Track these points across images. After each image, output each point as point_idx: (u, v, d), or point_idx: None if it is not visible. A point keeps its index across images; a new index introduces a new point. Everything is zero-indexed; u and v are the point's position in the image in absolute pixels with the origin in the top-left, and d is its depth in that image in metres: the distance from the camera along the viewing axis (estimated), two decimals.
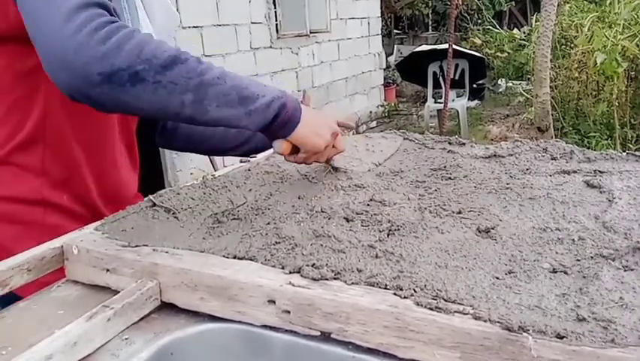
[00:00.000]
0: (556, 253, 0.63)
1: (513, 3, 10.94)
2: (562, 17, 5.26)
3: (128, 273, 0.70)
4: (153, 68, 0.70)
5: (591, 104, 4.94)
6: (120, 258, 0.70)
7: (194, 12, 4.08)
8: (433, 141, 1.16)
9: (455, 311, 0.52)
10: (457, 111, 5.82)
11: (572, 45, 5.04)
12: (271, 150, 1.12)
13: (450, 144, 1.13)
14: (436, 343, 0.52)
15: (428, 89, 6.17)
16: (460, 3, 5.60)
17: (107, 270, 0.72)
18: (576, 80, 5.09)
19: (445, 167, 0.97)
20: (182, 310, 0.67)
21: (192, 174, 3.99)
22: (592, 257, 0.61)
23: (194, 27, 4.09)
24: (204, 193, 0.92)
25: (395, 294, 0.56)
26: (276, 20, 5.11)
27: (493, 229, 0.70)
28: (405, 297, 0.55)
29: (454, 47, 5.17)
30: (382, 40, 7.65)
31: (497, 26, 9.66)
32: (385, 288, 0.58)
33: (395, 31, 11.06)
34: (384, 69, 7.75)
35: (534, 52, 4.68)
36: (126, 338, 0.63)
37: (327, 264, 0.62)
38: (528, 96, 5.92)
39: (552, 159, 0.99)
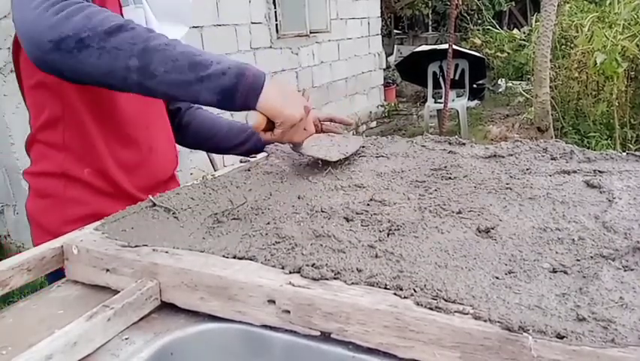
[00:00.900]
0: (557, 253, 0.63)
1: (513, 3, 10.94)
2: (562, 17, 5.26)
3: (128, 273, 0.70)
4: (98, 35, 0.75)
5: (591, 104, 4.94)
6: (120, 258, 0.70)
7: (195, 12, 4.07)
8: (433, 141, 1.16)
9: (455, 311, 0.52)
10: (457, 111, 5.82)
11: (572, 45, 5.04)
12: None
13: (450, 144, 1.13)
14: (436, 343, 0.52)
15: (428, 89, 6.17)
16: (460, 3, 5.60)
17: (107, 270, 0.72)
18: (576, 80, 5.09)
19: (445, 167, 0.97)
20: (182, 310, 0.67)
21: (192, 174, 3.99)
22: (592, 257, 0.61)
23: (194, 27, 4.09)
24: (204, 193, 0.92)
25: (395, 294, 0.56)
26: (276, 20, 5.11)
27: (493, 228, 0.70)
28: (405, 297, 0.55)
29: (454, 47, 5.17)
30: (382, 40, 7.65)
31: (497, 26, 9.67)
32: (385, 288, 0.58)
33: (395, 31, 11.07)
34: (384, 69, 7.75)
35: (534, 52, 4.68)
36: (126, 338, 0.63)
37: (327, 264, 0.62)
38: (528, 96, 5.93)
39: (552, 159, 0.99)
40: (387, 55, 8.80)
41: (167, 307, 0.68)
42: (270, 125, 0.90)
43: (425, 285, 0.57)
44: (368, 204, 0.81)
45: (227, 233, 0.75)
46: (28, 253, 0.76)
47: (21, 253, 0.76)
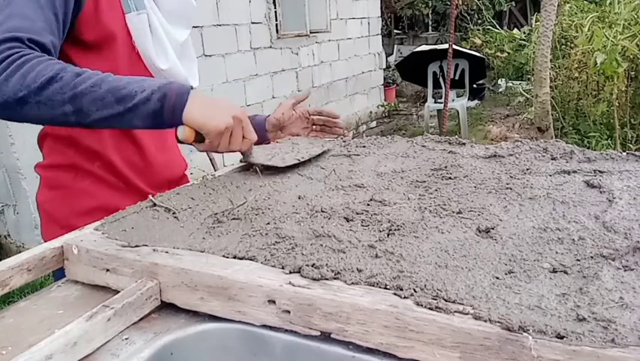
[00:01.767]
0: (557, 252, 0.63)
1: (513, 3, 10.94)
2: (562, 17, 5.26)
3: (128, 273, 0.70)
4: (32, 92, 0.84)
5: (591, 104, 4.94)
6: (120, 258, 0.70)
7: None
8: (433, 141, 1.16)
9: (455, 311, 0.52)
10: (457, 111, 5.81)
11: (572, 45, 5.04)
12: None
13: (450, 144, 1.13)
14: (436, 343, 0.52)
15: (428, 89, 6.17)
16: (460, 3, 5.60)
17: (107, 270, 0.72)
18: (576, 80, 5.09)
19: (445, 167, 0.97)
20: (182, 310, 0.67)
21: (192, 174, 3.98)
22: (592, 257, 0.61)
23: (194, 27, 4.09)
24: (204, 193, 0.92)
25: (395, 294, 0.56)
26: (276, 20, 5.10)
27: (493, 228, 0.70)
28: (405, 297, 0.55)
29: (454, 47, 5.17)
30: (382, 40, 7.65)
31: (497, 26, 9.66)
32: (385, 288, 0.58)
33: (395, 31, 11.06)
34: (384, 69, 7.75)
35: (534, 52, 4.68)
36: (126, 338, 0.63)
37: (327, 264, 0.62)
38: (528, 96, 5.93)
39: (552, 159, 0.99)
40: (387, 55, 8.80)
41: (167, 307, 0.68)
42: (201, 137, 0.93)
43: (425, 285, 0.57)
44: (368, 204, 0.81)
45: (227, 233, 0.75)
46: (28, 253, 0.76)
47: (21, 253, 0.76)
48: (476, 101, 7.54)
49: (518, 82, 7.87)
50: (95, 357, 0.59)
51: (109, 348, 0.61)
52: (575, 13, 5.50)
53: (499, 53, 8.42)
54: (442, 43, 7.99)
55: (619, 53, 4.18)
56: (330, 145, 1.18)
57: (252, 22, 4.79)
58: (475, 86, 7.03)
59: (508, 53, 8.42)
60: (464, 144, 1.13)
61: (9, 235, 3.52)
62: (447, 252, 0.65)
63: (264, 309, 0.61)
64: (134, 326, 0.65)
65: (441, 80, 5.84)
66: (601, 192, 0.81)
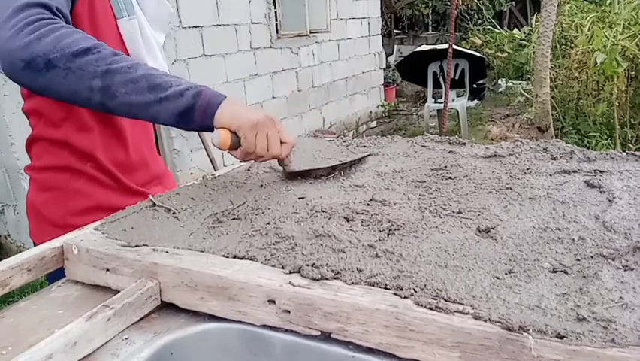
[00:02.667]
0: (557, 252, 0.63)
1: (513, 3, 10.94)
2: (562, 17, 5.26)
3: (128, 273, 0.70)
4: (65, 56, 0.80)
5: (591, 104, 4.94)
6: (120, 258, 0.70)
7: (194, 12, 4.07)
8: (433, 141, 1.16)
9: (455, 311, 0.52)
10: (457, 111, 5.81)
11: (572, 45, 5.04)
12: None
13: (450, 143, 1.13)
14: (436, 343, 0.52)
15: (428, 89, 6.17)
16: (460, 3, 5.60)
17: (107, 270, 0.72)
18: (576, 80, 5.09)
19: (445, 167, 0.97)
20: (182, 310, 0.67)
21: (192, 174, 3.99)
22: (592, 257, 0.61)
23: (194, 27, 4.09)
24: (204, 193, 0.92)
25: (395, 294, 0.56)
26: (276, 20, 5.10)
27: (493, 228, 0.70)
28: (405, 297, 0.55)
29: (454, 47, 5.17)
30: (382, 40, 7.65)
31: (497, 26, 9.66)
32: (385, 288, 0.58)
33: (395, 31, 11.06)
34: (384, 69, 7.74)
35: (534, 52, 4.68)
36: (126, 338, 0.63)
37: (327, 264, 0.62)
38: (528, 96, 5.93)
39: (552, 159, 0.99)
40: (387, 55, 8.80)
41: (167, 307, 0.68)
42: (236, 143, 0.87)
43: (425, 285, 0.57)
44: (368, 204, 0.81)
45: (227, 233, 0.75)
46: (28, 253, 0.76)
47: (21, 253, 0.76)
48: (476, 101, 7.54)
49: (518, 82, 7.86)
50: (95, 357, 0.59)
51: (109, 348, 0.61)
52: (575, 13, 5.50)
53: (499, 53, 8.42)
54: (442, 43, 7.98)
55: (619, 53, 4.18)
56: (370, 150, 1.14)
57: (252, 22, 4.79)
58: (475, 86, 7.03)
59: (508, 53, 8.42)
60: (464, 143, 1.13)
61: (9, 235, 3.52)
62: (447, 252, 0.65)
63: (264, 309, 0.61)
64: (134, 325, 0.65)
65: (441, 80, 5.84)
66: (601, 192, 0.81)
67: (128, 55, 1.04)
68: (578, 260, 0.61)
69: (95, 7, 0.99)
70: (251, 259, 0.66)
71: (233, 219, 0.80)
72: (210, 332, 0.64)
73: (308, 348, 0.59)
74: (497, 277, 0.58)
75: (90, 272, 0.74)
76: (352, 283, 0.59)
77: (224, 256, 0.68)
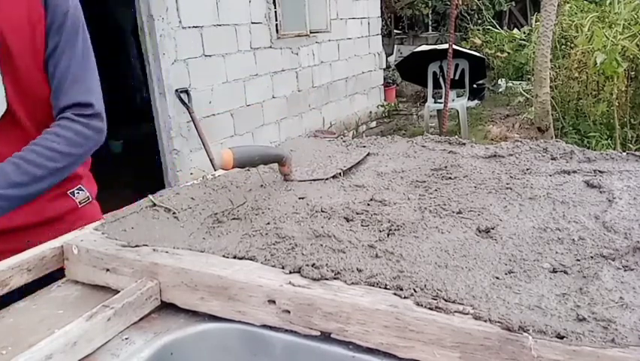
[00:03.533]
0: (557, 252, 0.63)
1: (513, 3, 10.93)
2: (562, 17, 5.26)
3: (128, 273, 0.70)
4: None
5: (591, 104, 4.94)
6: (120, 258, 0.70)
7: (194, 12, 4.07)
8: (433, 141, 1.16)
9: (455, 311, 0.52)
10: (457, 111, 5.81)
11: (572, 45, 5.04)
12: None
13: (450, 144, 1.13)
14: (436, 343, 0.52)
15: (428, 89, 6.16)
16: (460, 3, 5.60)
17: (107, 270, 0.72)
18: (576, 80, 5.09)
19: (445, 167, 0.97)
20: (182, 310, 0.67)
21: (192, 174, 3.99)
22: (592, 257, 0.61)
23: (194, 27, 4.09)
24: (204, 193, 0.92)
25: (395, 294, 0.56)
26: (276, 20, 5.10)
27: (493, 228, 0.70)
28: (405, 297, 0.55)
29: (454, 47, 5.16)
30: (382, 40, 7.64)
31: (497, 26, 9.66)
32: (385, 288, 0.58)
33: (395, 31, 11.05)
34: (384, 69, 7.74)
35: (534, 52, 4.68)
36: (126, 338, 0.63)
37: (327, 264, 0.62)
38: (528, 96, 5.92)
39: (552, 159, 0.99)
40: (387, 55, 8.79)
41: (167, 307, 0.68)
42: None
43: (425, 285, 0.57)
44: (368, 204, 0.81)
45: (227, 233, 0.75)
46: (28, 253, 0.76)
47: (21, 253, 0.76)
48: (476, 101, 7.54)
49: (518, 82, 7.86)
50: (95, 357, 0.59)
51: (109, 348, 0.61)
52: (575, 13, 5.50)
53: (499, 53, 8.42)
54: (442, 43, 7.98)
55: (619, 53, 4.17)
56: (370, 150, 1.15)
57: (252, 22, 4.79)
58: (475, 86, 7.02)
59: (508, 53, 8.41)
60: (464, 144, 1.13)
61: None
62: (447, 252, 0.65)
63: (264, 309, 0.61)
64: (134, 325, 0.65)
65: (441, 80, 5.83)
66: (601, 192, 0.81)
67: None
68: (578, 260, 0.60)
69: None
70: (251, 259, 0.66)
71: (233, 219, 0.80)
72: (210, 332, 0.64)
73: (308, 348, 0.59)
74: (497, 278, 0.58)
75: (90, 272, 0.74)
76: (352, 283, 0.59)
77: (224, 256, 0.68)
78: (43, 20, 0.94)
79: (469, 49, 7.03)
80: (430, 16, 11.15)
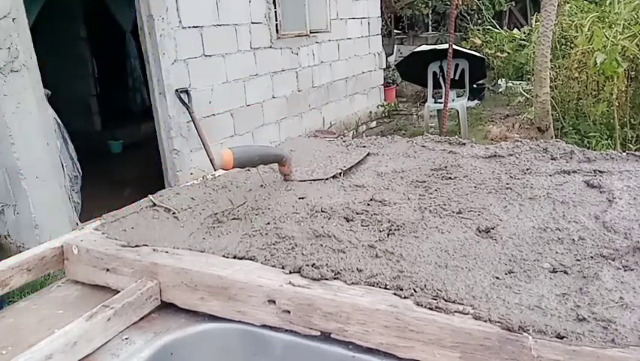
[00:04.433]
0: (557, 252, 0.63)
1: (513, 3, 10.93)
2: (562, 17, 5.26)
3: (128, 273, 0.70)
4: None
5: (591, 104, 4.94)
6: (120, 258, 0.70)
7: (194, 12, 4.07)
8: (433, 141, 1.16)
9: (455, 311, 0.52)
10: (457, 111, 5.81)
11: (572, 45, 5.04)
12: None
13: (450, 144, 1.13)
14: (436, 343, 0.52)
15: (428, 89, 6.16)
16: (460, 3, 5.60)
17: (107, 270, 0.72)
18: (576, 80, 5.09)
19: (445, 167, 0.97)
20: (182, 310, 0.67)
21: (192, 174, 3.99)
22: (592, 257, 0.61)
23: (194, 27, 4.09)
24: (204, 193, 0.92)
25: (395, 294, 0.56)
26: (276, 20, 5.10)
27: (493, 228, 0.70)
28: (405, 297, 0.55)
29: (454, 47, 5.16)
30: (382, 40, 7.64)
31: (497, 26, 9.65)
32: (385, 288, 0.58)
33: (395, 31, 11.05)
34: (384, 69, 7.74)
35: (534, 52, 4.68)
36: (126, 338, 0.63)
37: (327, 264, 0.62)
38: (528, 96, 5.92)
39: (552, 159, 0.99)
40: (387, 55, 8.79)
41: (167, 307, 0.68)
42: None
43: (425, 285, 0.57)
44: (368, 204, 0.81)
45: (227, 233, 0.75)
46: (28, 253, 0.76)
47: (21, 253, 0.76)
48: (476, 101, 7.54)
49: (518, 82, 7.86)
50: (95, 357, 0.59)
51: (109, 348, 0.61)
52: (575, 13, 5.50)
53: (499, 53, 8.41)
54: (442, 43, 7.97)
55: (619, 53, 4.17)
56: (370, 150, 1.16)
57: (252, 22, 4.79)
58: (475, 86, 7.02)
59: (508, 53, 8.41)
60: (464, 144, 1.13)
61: (9, 235, 3.52)
62: (447, 252, 0.65)
63: (264, 309, 0.61)
64: (134, 325, 0.65)
65: (441, 80, 5.83)
66: (601, 192, 0.81)
67: None
68: (578, 260, 0.60)
69: None
70: (251, 259, 0.66)
71: (233, 219, 0.80)
72: (210, 332, 0.64)
73: (308, 348, 0.59)
74: (497, 278, 0.58)
75: (90, 272, 0.74)
76: (352, 283, 0.59)
77: (224, 256, 0.68)
78: None
79: (469, 49, 7.02)
80: (430, 16, 11.15)
